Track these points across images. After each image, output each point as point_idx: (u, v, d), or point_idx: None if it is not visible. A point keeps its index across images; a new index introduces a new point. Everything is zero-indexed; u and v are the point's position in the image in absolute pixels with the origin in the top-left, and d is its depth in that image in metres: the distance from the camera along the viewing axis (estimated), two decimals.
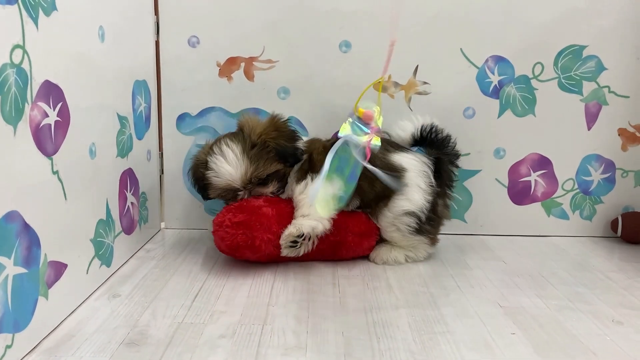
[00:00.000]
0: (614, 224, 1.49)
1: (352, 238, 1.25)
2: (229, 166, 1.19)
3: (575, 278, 1.22)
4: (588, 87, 1.45)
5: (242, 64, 1.43)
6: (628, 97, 1.45)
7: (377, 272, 1.23)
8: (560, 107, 1.45)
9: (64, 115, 0.92)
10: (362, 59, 1.42)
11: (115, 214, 1.17)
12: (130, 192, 1.26)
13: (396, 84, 1.45)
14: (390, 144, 1.31)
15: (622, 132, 1.48)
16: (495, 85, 1.44)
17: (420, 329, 0.95)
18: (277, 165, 1.23)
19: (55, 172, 0.90)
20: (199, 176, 1.26)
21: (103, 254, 1.10)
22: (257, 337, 0.91)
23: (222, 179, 1.21)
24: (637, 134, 1.48)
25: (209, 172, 1.22)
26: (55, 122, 0.89)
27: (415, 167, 1.28)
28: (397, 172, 1.25)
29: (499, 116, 1.46)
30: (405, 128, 1.36)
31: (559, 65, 1.43)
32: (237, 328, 0.94)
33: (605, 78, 1.44)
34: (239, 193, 1.23)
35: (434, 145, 1.34)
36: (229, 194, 1.24)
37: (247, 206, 1.20)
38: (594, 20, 1.41)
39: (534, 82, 1.44)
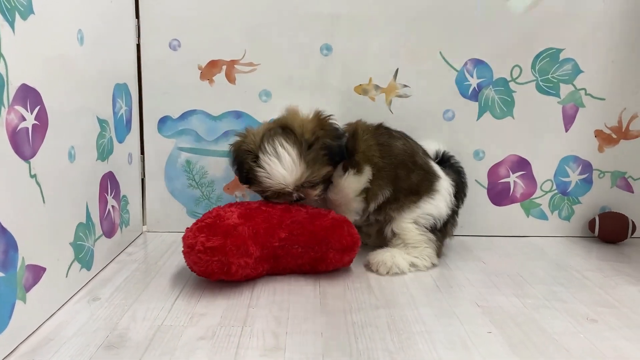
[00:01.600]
0: (591, 224, 1.51)
1: (334, 254, 1.18)
2: (284, 170, 1.16)
3: (553, 277, 1.24)
4: (565, 89, 1.47)
5: (224, 67, 1.43)
6: (604, 99, 1.48)
7: (359, 273, 1.24)
8: (538, 110, 1.48)
9: (42, 119, 0.92)
10: (343, 62, 1.44)
11: (96, 217, 1.17)
12: (111, 195, 1.26)
13: (377, 87, 1.46)
14: (425, 153, 1.36)
15: (598, 133, 1.51)
16: (474, 88, 1.46)
17: (398, 328, 0.97)
18: (328, 167, 1.20)
19: (33, 176, 0.90)
20: (245, 166, 1.21)
21: (83, 257, 1.10)
22: (237, 339, 0.92)
23: (274, 181, 1.17)
24: (613, 135, 1.51)
25: (259, 170, 1.18)
26: (33, 125, 0.89)
27: (445, 179, 1.33)
28: (433, 176, 1.30)
29: (478, 118, 1.48)
30: (429, 147, 1.40)
31: (537, 68, 1.46)
32: (216, 330, 0.95)
33: (582, 81, 1.47)
34: (288, 195, 1.21)
35: (453, 170, 1.39)
36: (276, 195, 1.22)
37: (221, 226, 1.10)
38: (571, 24, 1.44)
39: (512, 85, 1.46)
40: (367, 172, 1.25)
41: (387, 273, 1.23)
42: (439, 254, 1.31)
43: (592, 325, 1.00)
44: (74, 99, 1.05)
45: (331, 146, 1.19)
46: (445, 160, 1.41)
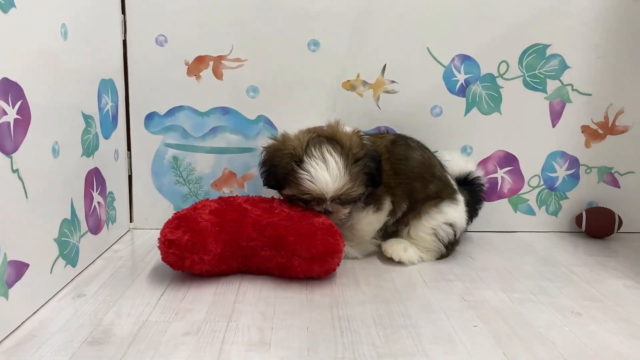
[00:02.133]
0: (578, 219, 1.52)
1: (299, 262, 1.13)
2: (329, 176, 1.15)
3: (540, 272, 1.25)
4: (552, 85, 1.48)
5: (211, 63, 1.43)
6: (590, 94, 1.49)
7: (346, 269, 1.23)
8: (525, 105, 1.48)
9: (25, 113, 0.91)
10: (331, 58, 1.43)
11: (81, 214, 1.16)
12: (96, 191, 1.25)
13: (365, 83, 1.46)
14: (442, 166, 1.37)
15: (585, 129, 1.51)
16: (462, 83, 1.46)
17: (384, 323, 0.97)
18: (364, 188, 1.21)
19: (15, 171, 0.89)
20: (283, 169, 1.19)
21: (68, 253, 1.09)
22: (222, 334, 0.91)
23: (316, 186, 1.15)
24: (600, 131, 1.52)
25: (302, 172, 1.16)
26: (15, 120, 0.88)
27: (462, 194, 1.35)
28: (452, 188, 1.33)
29: (465, 114, 1.48)
30: (460, 165, 1.42)
31: (524, 63, 1.46)
32: (201, 325, 0.94)
33: (569, 76, 1.48)
34: (319, 205, 1.20)
35: (471, 193, 1.40)
36: (309, 200, 1.20)
37: (189, 220, 1.13)
38: (557, 20, 1.44)
39: (499, 81, 1.47)
40: (387, 206, 1.28)
41: (398, 260, 1.27)
42: (444, 256, 1.33)
43: (577, 318, 1.01)
44: (58, 94, 1.05)
45: (372, 167, 1.21)
46: (467, 183, 1.42)
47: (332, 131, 1.22)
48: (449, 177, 1.35)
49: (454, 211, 1.30)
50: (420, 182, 1.29)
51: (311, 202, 1.20)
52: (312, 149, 1.17)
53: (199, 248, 1.11)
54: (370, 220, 1.28)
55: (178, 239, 1.10)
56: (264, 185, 1.26)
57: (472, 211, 1.40)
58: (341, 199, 1.19)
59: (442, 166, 1.36)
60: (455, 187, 1.34)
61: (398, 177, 1.28)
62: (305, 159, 1.16)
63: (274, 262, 1.15)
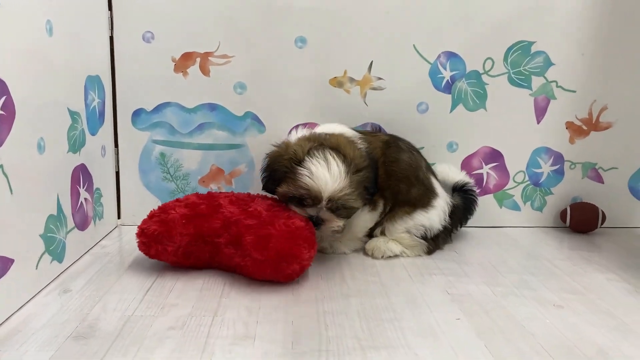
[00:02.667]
0: (562, 214, 1.54)
1: (252, 263, 1.10)
2: (329, 175, 1.13)
3: (524, 267, 1.26)
4: (537, 81, 1.49)
5: (198, 59, 1.43)
6: (574, 91, 1.50)
7: (332, 264, 1.24)
8: (510, 102, 1.50)
9: (9, 109, 0.91)
10: (318, 54, 1.44)
11: (67, 210, 1.16)
12: (83, 187, 1.25)
13: (352, 80, 1.47)
14: (429, 168, 1.39)
15: (569, 125, 1.53)
16: (448, 80, 1.47)
17: (368, 316, 0.98)
18: (360, 202, 1.20)
19: (0, 166, 0.89)
20: (282, 168, 1.18)
21: (54, 249, 1.10)
22: (207, 328, 0.92)
23: (315, 183, 1.13)
24: (584, 127, 1.53)
25: (302, 169, 1.14)
26: None
27: (443, 197, 1.35)
28: (432, 193, 1.33)
29: (451, 111, 1.49)
30: (455, 176, 1.45)
31: (509, 60, 1.48)
32: (187, 320, 0.95)
33: (553, 73, 1.49)
34: (314, 206, 1.17)
35: (462, 201, 1.42)
36: (304, 199, 1.17)
37: (165, 209, 1.17)
38: (542, 17, 1.46)
39: (484, 77, 1.48)
40: (381, 206, 1.31)
41: (382, 257, 1.29)
42: (431, 252, 1.34)
43: (558, 311, 1.02)
44: (43, 90, 1.05)
45: (371, 179, 1.20)
46: (460, 190, 1.43)
47: (337, 142, 1.20)
48: (432, 180, 1.35)
49: (425, 218, 1.30)
50: (405, 184, 1.30)
51: (306, 202, 1.17)
52: (315, 151, 1.16)
53: (163, 238, 1.14)
54: (365, 219, 1.30)
55: (147, 228, 1.15)
56: (263, 189, 1.26)
57: (463, 218, 1.43)
58: (337, 205, 1.16)
59: (428, 168, 1.38)
60: (438, 190, 1.35)
61: (389, 179, 1.30)
62: (306, 158, 1.15)
63: (233, 260, 1.14)
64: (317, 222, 1.18)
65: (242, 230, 1.12)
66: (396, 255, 1.30)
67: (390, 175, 1.30)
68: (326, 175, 1.13)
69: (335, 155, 1.15)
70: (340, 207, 1.17)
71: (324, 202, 1.15)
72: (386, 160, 1.30)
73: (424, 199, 1.32)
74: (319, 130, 1.28)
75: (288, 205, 1.20)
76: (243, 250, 1.11)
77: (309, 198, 1.16)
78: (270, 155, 1.25)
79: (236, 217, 1.15)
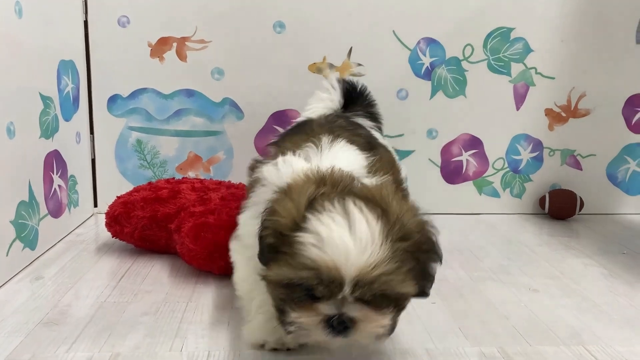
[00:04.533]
0: (541, 201, 1.55)
1: (187, 252, 1.07)
2: (352, 240, 0.65)
3: (502, 252, 1.27)
4: (516, 68, 1.50)
5: (174, 44, 1.41)
6: (554, 78, 1.51)
7: None
8: (489, 88, 1.50)
9: None
10: (297, 40, 1.43)
11: (40, 196, 1.14)
12: (57, 174, 1.23)
13: (331, 66, 1.46)
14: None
15: (548, 112, 1.53)
16: (427, 67, 1.47)
17: None
18: (412, 287, 0.70)
19: None
20: (272, 238, 0.70)
21: (26, 236, 1.08)
22: (180, 314, 0.91)
23: (327, 255, 0.65)
24: (563, 114, 1.54)
25: (301, 237, 0.67)
26: None
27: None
28: None
29: (431, 97, 1.49)
30: (333, 98, 1.15)
31: (488, 47, 1.47)
32: (160, 306, 0.94)
33: (532, 60, 1.49)
34: (331, 299, 0.67)
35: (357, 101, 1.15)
36: (312, 288, 0.67)
37: (132, 191, 1.22)
38: (521, 3, 1.46)
39: (464, 64, 1.48)
40: None
41: None
42: None
43: (533, 294, 1.02)
44: (12, 73, 1.02)
45: (431, 261, 0.74)
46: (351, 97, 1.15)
47: (370, 192, 0.72)
48: None
49: None
50: None
51: (317, 292, 0.67)
52: (324, 201, 0.69)
53: (122, 219, 1.17)
54: None
55: (111, 208, 1.20)
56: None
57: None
58: (372, 291, 0.66)
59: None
60: None
61: None
62: (308, 215, 0.68)
63: (177, 247, 1.12)
64: (340, 327, 0.68)
65: (185, 218, 1.10)
66: None
67: None
68: (347, 239, 0.65)
69: (364, 205, 0.68)
70: (377, 295, 0.67)
71: (347, 292, 0.66)
72: None
73: None
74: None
75: (288, 306, 0.70)
76: (181, 237, 1.09)
77: (320, 284, 0.66)
78: (265, 212, 0.74)
79: (188, 205, 1.13)
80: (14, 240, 1.03)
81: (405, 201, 0.75)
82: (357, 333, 0.68)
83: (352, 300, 0.67)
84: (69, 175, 1.30)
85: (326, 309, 0.67)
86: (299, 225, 0.68)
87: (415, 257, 0.70)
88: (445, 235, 1.34)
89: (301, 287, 0.68)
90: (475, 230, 1.43)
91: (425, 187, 1.52)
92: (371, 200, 0.70)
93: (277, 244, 0.69)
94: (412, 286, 0.70)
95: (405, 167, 1.03)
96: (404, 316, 0.90)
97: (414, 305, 0.95)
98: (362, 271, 0.65)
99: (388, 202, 0.70)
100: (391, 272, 0.66)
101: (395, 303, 0.71)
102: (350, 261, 0.65)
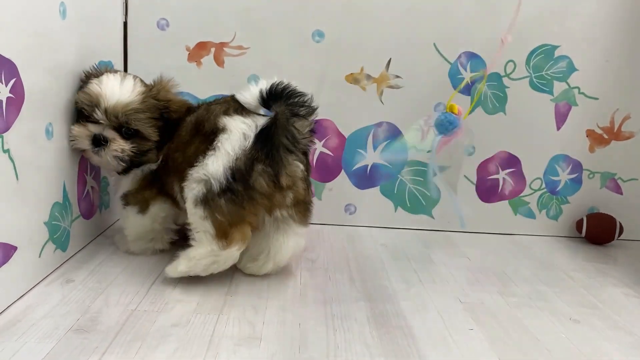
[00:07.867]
0: (578, 224, 1.50)
1: None
2: (118, 85, 1.06)
3: (538, 276, 1.23)
4: (559, 87, 1.45)
5: (212, 49, 1.40)
6: (597, 98, 1.46)
7: (341, 265, 1.21)
8: (530, 106, 1.46)
9: (18, 92, 0.89)
10: (335, 49, 1.41)
11: (73, 198, 1.13)
12: (90, 175, 1.22)
13: (368, 77, 1.43)
14: (236, 109, 1.05)
15: (590, 133, 1.49)
16: (468, 82, 1.44)
17: (378, 322, 0.95)
18: (153, 132, 1.08)
19: (6, 151, 0.86)
20: (80, 83, 1.10)
21: (58, 237, 1.07)
22: (212, 327, 0.89)
23: (100, 89, 1.05)
24: (605, 135, 1.49)
25: (94, 80, 1.07)
26: (7, 98, 0.85)
27: (238, 129, 1.00)
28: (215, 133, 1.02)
29: (469, 113, 1.45)
30: (253, 93, 1.04)
31: (531, 64, 1.44)
32: (191, 317, 0.92)
33: (576, 79, 1.45)
34: (97, 123, 1.06)
35: (281, 100, 1.01)
36: (88, 114, 1.06)
37: None
38: (567, 21, 1.42)
39: (505, 80, 1.44)
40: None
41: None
42: (229, 239, 1.01)
43: (574, 325, 0.99)
44: (54, 74, 1.02)
45: (175, 111, 1.12)
46: (272, 95, 1.02)
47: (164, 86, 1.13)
48: (224, 121, 1.02)
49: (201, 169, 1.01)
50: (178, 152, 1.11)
51: (90, 117, 1.05)
52: (118, 72, 1.10)
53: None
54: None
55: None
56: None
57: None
58: (119, 121, 1.05)
59: (226, 112, 1.06)
60: (228, 126, 1.02)
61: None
62: (105, 73, 1.09)
63: None
64: (97, 142, 1.06)
65: None
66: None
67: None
68: (114, 84, 1.05)
69: (134, 75, 1.10)
70: (124, 125, 1.06)
71: (101, 113, 1.04)
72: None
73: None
74: None
75: (76, 125, 1.07)
76: None
77: (89, 106, 1.05)
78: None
79: None
80: (46, 242, 1.03)
81: (177, 94, 1.15)
82: (107, 150, 1.06)
83: (109, 126, 1.06)
84: (101, 176, 1.30)
85: (92, 128, 1.06)
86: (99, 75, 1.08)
87: (159, 108, 1.08)
88: (479, 254, 1.34)
89: (82, 110, 1.06)
90: (509, 251, 1.40)
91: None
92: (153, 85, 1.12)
93: (82, 84, 1.10)
94: (152, 133, 1.08)
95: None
96: (440, 341, 0.88)
97: (450, 330, 0.93)
98: (115, 105, 1.04)
99: (163, 84, 1.12)
100: (136, 112, 1.05)
101: (135, 133, 1.07)
102: (108, 95, 1.04)
